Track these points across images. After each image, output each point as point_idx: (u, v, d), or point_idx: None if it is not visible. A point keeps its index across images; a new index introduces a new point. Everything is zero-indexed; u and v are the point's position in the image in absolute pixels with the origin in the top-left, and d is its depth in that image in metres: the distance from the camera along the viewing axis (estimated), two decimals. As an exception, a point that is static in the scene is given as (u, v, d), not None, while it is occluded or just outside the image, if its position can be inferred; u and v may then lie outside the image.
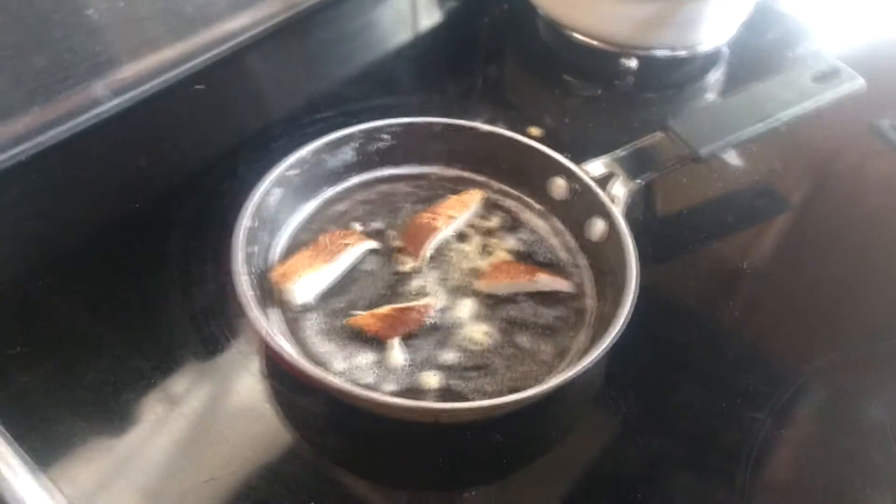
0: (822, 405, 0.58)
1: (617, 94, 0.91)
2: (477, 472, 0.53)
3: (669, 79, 0.93)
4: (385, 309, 0.58)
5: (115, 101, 0.79)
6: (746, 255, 0.70)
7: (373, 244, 0.64)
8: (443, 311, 0.60)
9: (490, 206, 0.70)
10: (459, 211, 0.66)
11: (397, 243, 0.65)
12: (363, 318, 0.57)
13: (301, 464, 0.52)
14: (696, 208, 0.76)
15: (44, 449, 0.51)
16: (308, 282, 0.58)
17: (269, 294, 0.59)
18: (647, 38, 0.89)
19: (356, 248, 0.62)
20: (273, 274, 0.59)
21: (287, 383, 0.56)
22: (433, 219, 0.64)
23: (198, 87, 0.83)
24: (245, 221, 0.57)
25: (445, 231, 0.65)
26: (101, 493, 0.50)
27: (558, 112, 0.89)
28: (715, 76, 0.95)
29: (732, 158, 0.81)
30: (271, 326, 0.54)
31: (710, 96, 0.93)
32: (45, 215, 0.67)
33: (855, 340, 0.63)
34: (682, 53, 0.92)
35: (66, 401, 0.54)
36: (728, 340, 0.63)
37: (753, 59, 0.97)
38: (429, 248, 0.63)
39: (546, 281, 0.61)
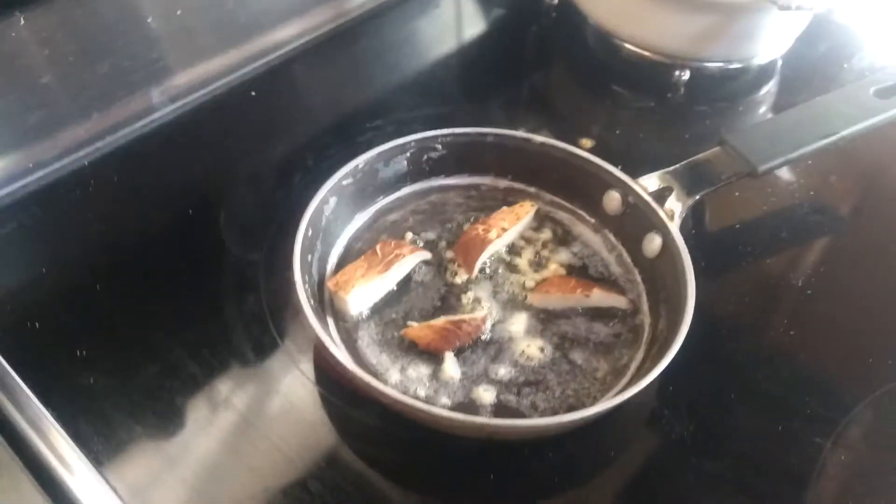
0: (885, 429, 0.57)
1: (668, 107, 0.89)
2: (528, 490, 0.53)
3: (722, 92, 0.92)
4: (440, 321, 0.58)
5: (171, 108, 0.80)
6: (802, 273, 0.69)
7: (426, 255, 0.64)
8: (496, 324, 0.60)
9: (542, 219, 0.69)
10: (512, 223, 0.65)
11: (450, 254, 0.65)
12: (417, 329, 0.57)
13: (352, 475, 0.52)
14: (750, 223, 0.74)
15: (100, 448, 0.52)
16: (362, 292, 0.59)
17: (324, 303, 0.60)
18: (700, 50, 0.88)
19: (409, 259, 0.62)
20: (329, 283, 0.59)
21: (339, 393, 0.56)
22: (485, 231, 0.64)
23: (251, 94, 0.84)
24: (302, 230, 0.58)
25: (497, 243, 0.64)
26: (154, 492, 0.51)
27: (609, 123, 0.88)
28: (769, 89, 0.93)
29: (786, 173, 0.79)
30: (328, 335, 0.54)
31: (765, 110, 0.91)
32: (104, 220, 0.69)
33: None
34: (735, 66, 0.91)
35: (123, 403, 0.55)
36: (784, 360, 0.61)
37: (809, 72, 0.95)
38: (481, 261, 0.63)
39: (601, 296, 0.61)
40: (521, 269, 0.65)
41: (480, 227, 0.65)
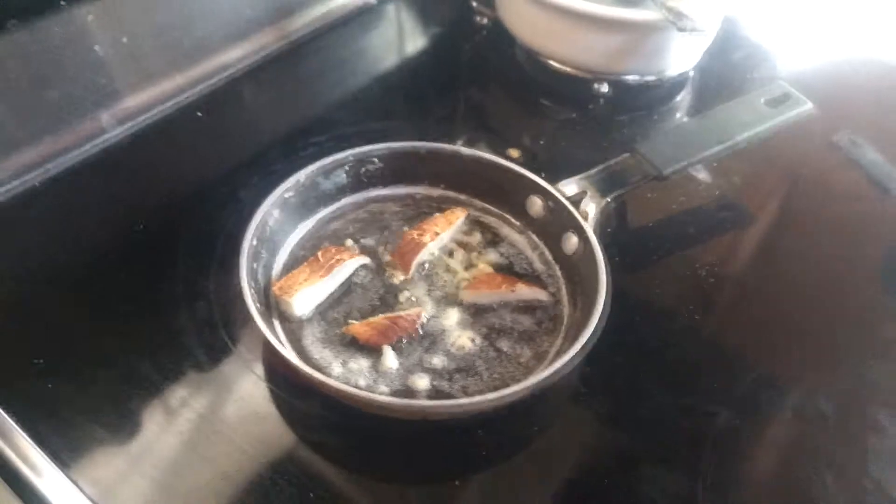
0: (772, 398, 0.64)
1: (590, 118, 0.97)
2: (463, 465, 0.58)
3: (639, 102, 1.00)
4: (378, 318, 0.63)
5: (120, 129, 0.83)
6: (707, 263, 0.75)
7: (365, 259, 0.69)
8: (430, 319, 0.65)
9: (472, 223, 0.75)
10: (444, 227, 0.71)
11: (387, 258, 0.70)
12: (358, 326, 0.62)
13: (302, 461, 0.57)
14: (662, 221, 0.82)
15: (64, 450, 0.55)
16: (306, 295, 0.63)
17: (271, 307, 0.65)
18: (617, 66, 0.96)
19: (350, 263, 0.67)
20: (274, 288, 0.64)
21: (287, 388, 0.61)
22: (420, 235, 0.69)
23: (198, 114, 0.89)
24: (248, 240, 0.62)
25: (431, 246, 0.70)
26: (118, 489, 0.54)
27: (535, 134, 0.95)
28: (683, 99, 1.01)
29: (698, 174, 0.87)
30: (274, 335, 0.59)
31: (678, 118, 0.99)
32: (58, 237, 0.72)
33: (802, 339, 0.69)
34: (651, 79, 0.99)
35: (83, 407, 0.58)
36: (690, 342, 0.68)
37: (718, 82, 1.04)
38: (416, 262, 0.69)
39: (524, 290, 0.67)
40: (453, 269, 0.70)
41: (415, 232, 0.70)
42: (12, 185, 0.75)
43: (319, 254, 0.67)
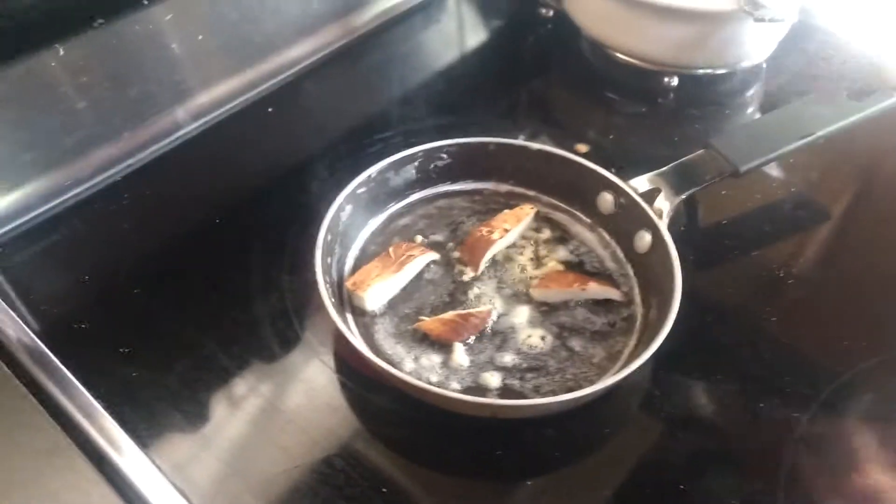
0: (857, 405, 0.61)
1: (659, 111, 0.95)
2: (532, 464, 0.58)
3: (710, 96, 0.97)
4: (449, 315, 0.63)
5: (195, 125, 0.86)
6: (783, 263, 0.73)
7: (434, 255, 0.69)
8: (500, 317, 0.65)
9: (541, 220, 0.75)
10: (513, 224, 0.71)
11: (457, 254, 0.70)
12: (429, 322, 0.63)
13: (371, 452, 0.57)
14: (736, 219, 0.79)
15: (144, 432, 0.57)
16: (378, 289, 0.64)
17: (343, 301, 0.66)
18: (687, 58, 0.94)
19: (420, 259, 0.68)
20: (347, 283, 0.65)
21: (358, 381, 0.62)
22: (489, 232, 0.69)
23: (268, 110, 0.90)
24: (322, 235, 0.63)
25: (500, 243, 0.70)
26: (192, 469, 0.56)
27: (603, 129, 0.93)
28: (755, 92, 0.98)
29: (772, 170, 0.84)
30: (348, 328, 0.60)
31: (751, 112, 0.96)
32: (138, 229, 0.74)
33: (890, 343, 0.66)
34: (721, 71, 0.96)
35: (162, 393, 0.60)
36: (766, 344, 0.66)
37: (792, 74, 1.00)
38: (485, 259, 0.69)
39: (596, 289, 0.66)
40: (522, 265, 0.70)
41: (485, 229, 0.70)
42: (95, 180, 0.78)
43: (391, 249, 0.67)
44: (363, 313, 0.65)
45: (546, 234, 0.73)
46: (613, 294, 0.67)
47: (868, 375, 0.63)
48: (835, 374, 0.63)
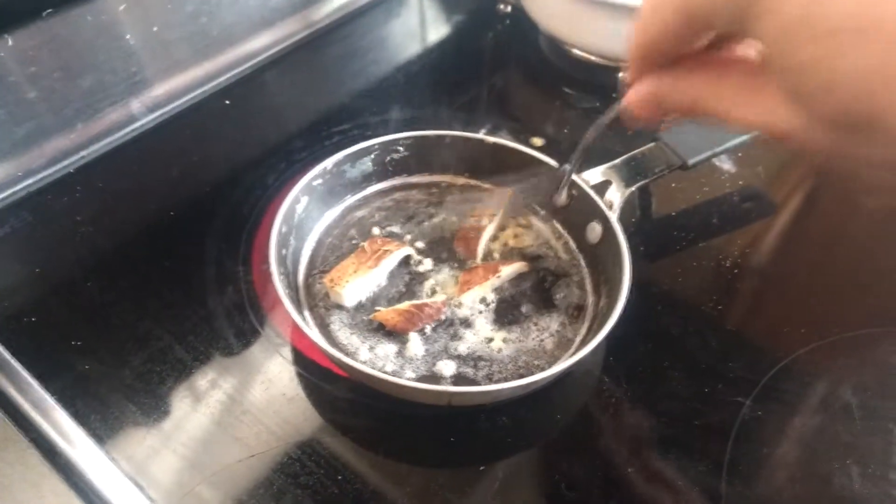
0: (796, 388, 0.64)
1: (613, 105, 0.96)
2: (487, 450, 0.59)
3: (663, 91, 0.99)
4: (404, 305, 0.64)
5: (151, 117, 0.86)
6: (730, 254, 0.76)
7: (410, 250, 0.70)
8: (456, 307, 0.66)
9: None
10: (497, 208, 0.72)
11: (419, 244, 0.72)
12: (385, 313, 0.63)
13: (329, 443, 0.58)
14: (686, 211, 0.82)
15: (98, 426, 0.57)
16: (356, 285, 0.65)
17: (299, 292, 0.66)
18: (641, 54, 0.96)
19: (397, 254, 0.68)
20: (325, 280, 0.65)
21: (315, 371, 0.62)
22: (477, 220, 0.71)
23: (225, 102, 0.90)
24: (277, 227, 0.63)
25: (490, 228, 0.71)
26: (151, 464, 0.56)
27: (559, 123, 0.95)
28: (705, 88, 1.00)
29: (722, 164, 0.87)
30: (303, 320, 0.60)
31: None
32: (91, 222, 0.74)
33: (828, 331, 0.69)
34: (674, 67, 0.98)
35: (117, 386, 0.60)
36: (712, 331, 0.69)
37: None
38: (481, 246, 0.69)
39: (508, 271, 0.68)
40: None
41: (473, 219, 0.71)
42: (48, 171, 0.77)
43: (366, 245, 0.68)
44: (318, 305, 0.65)
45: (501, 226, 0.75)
46: (523, 267, 0.69)
47: (805, 360, 0.66)
48: (776, 359, 0.66)
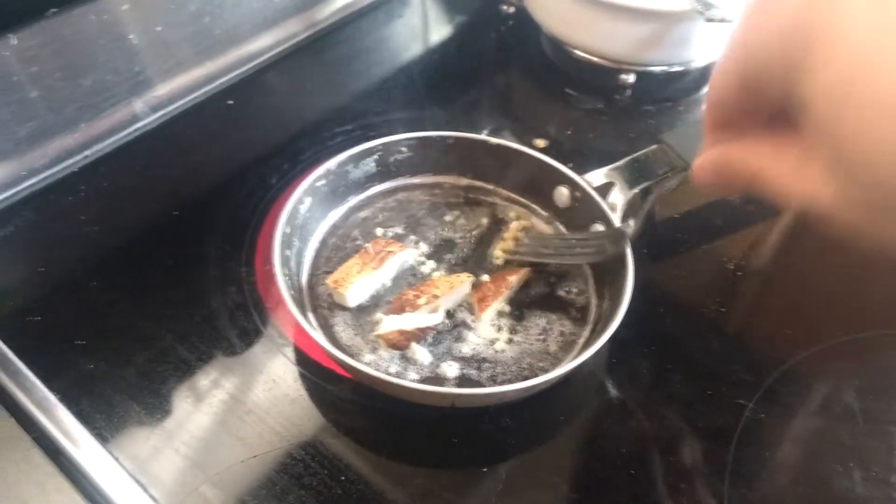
0: (799, 391, 0.64)
1: (616, 107, 0.97)
2: (489, 452, 0.59)
3: (666, 92, 0.99)
4: (410, 328, 0.62)
5: (153, 117, 0.85)
6: (733, 257, 0.76)
7: (413, 251, 0.70)
8: (459, 308, 0.66)
9: (502, 213, 0.76)
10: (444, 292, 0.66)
11: (422, 246, 0.72)
12: (387, 333, 0.62)
13: (332, 444, 0.58)
14: (689, 214, 0.82)
15: (102, 425, 0.57)
16: (360, 286, 0.65)
17: (303, 293, 0.66)
18: (643, 55, 0.96)
19: (401, 255, 0.68)
20: (328, 281, 0.65)
21: (318, 372, 0.62)
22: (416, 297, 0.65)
23: (228, 102, 0.90)
24: (280, 227, 0.64)
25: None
26: (154, 464, 0.56)
27: (561, 124, 0.95)
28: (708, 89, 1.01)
29: (724, 167, 0.87)
30: (307, 321, 0.60)
31: (704, 109, 0.98)
32: (95, 221, 0.74)
33: (830, 334, 0.69)
34: (676, 69, 0.99)
35: (121, 385, 0.60)
36: (714, 334, 0.69)
37: (744, 73, 1.03)
38: (486, 310, 0.65)
39: (518, 280, 0.68)
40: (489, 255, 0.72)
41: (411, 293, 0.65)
42: (51, 171, 0.77)
43: (369, 246, 0.68)
44: (321, 306, 0.65)
45: (503, 228, 0.75)
46: (529, 275, 0.69)
47: (808, 363, 0.66)
48: (778, 362, 0.66)
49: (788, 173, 0.31)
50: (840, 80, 0.25)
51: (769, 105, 0.32)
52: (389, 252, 0.67)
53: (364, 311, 0.66)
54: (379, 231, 0.73)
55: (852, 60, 0.24)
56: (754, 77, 0.31)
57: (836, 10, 0.25)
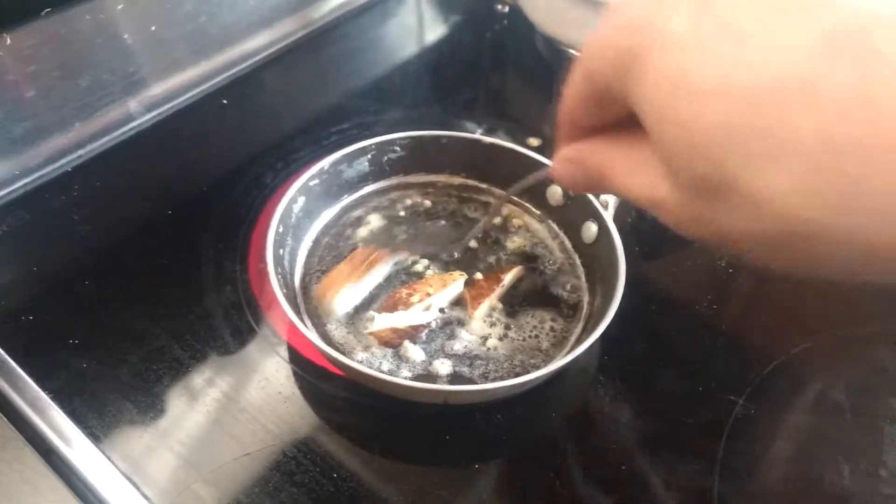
0: (788, 388, 0.65)
1: (609, 107, 0.97)
2: (481, 449, 0.59)
3: (658, 92, 1.00)
4: (403, 326, 0.63)
5: (148, 116, 0.86)
6: (725, 255, 0.76)
7: (402, 256, 0.70)
8: (452, 306, 0.67)
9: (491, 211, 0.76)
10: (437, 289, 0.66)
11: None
12: (379, 331, 0.62)
13: (325, 442, 0.58)
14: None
15: (95, 424, 0.57)
16: (347, 294, 0.65)
17: (295, 291, 0.66)
18: (637, 54, 0.96)
19: (389, 261, 0.68)
20: (316, 292, 0.65)
21: (311, 370, 0.62)
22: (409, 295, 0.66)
23: (222, 102, 0.90)
24: (274, 226, 0.64)
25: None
26: (147, 463, 0.56)
27: (554, 123, 0.95)
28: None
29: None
30: (300, 319, 0.60)
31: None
32: (89, 220, 0.74)
33: (820, 331, 0.69)
34: (670, 68, 0.99)
35: (114, 384, 0.60)
36: (706, 331, 0.69)
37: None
38: (479, 307, 0.66)
39: (510, 277, 0.68)
40: (479, 256, 0.72)
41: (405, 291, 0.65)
42: (46, 170, 0.77)
43: (357, 252, 0.68)
44: (315, 304, 0.66)
45: (497, 225, 0.75)
46: (522, 272, 0.69)
47: (798, 359, 0.67)
48: (769, 358, 0.66)
49: (631, 170, 0.34)
50: (668, 77, 0.27)
51: (612, 114, 0.35)
52: (376, 258, 0.67)
53: (356, 308, 0.66)
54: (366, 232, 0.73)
55: (675, 61, 0.27)
56: (595, 90, 0.34)
57: (657, 25, 0.28)
